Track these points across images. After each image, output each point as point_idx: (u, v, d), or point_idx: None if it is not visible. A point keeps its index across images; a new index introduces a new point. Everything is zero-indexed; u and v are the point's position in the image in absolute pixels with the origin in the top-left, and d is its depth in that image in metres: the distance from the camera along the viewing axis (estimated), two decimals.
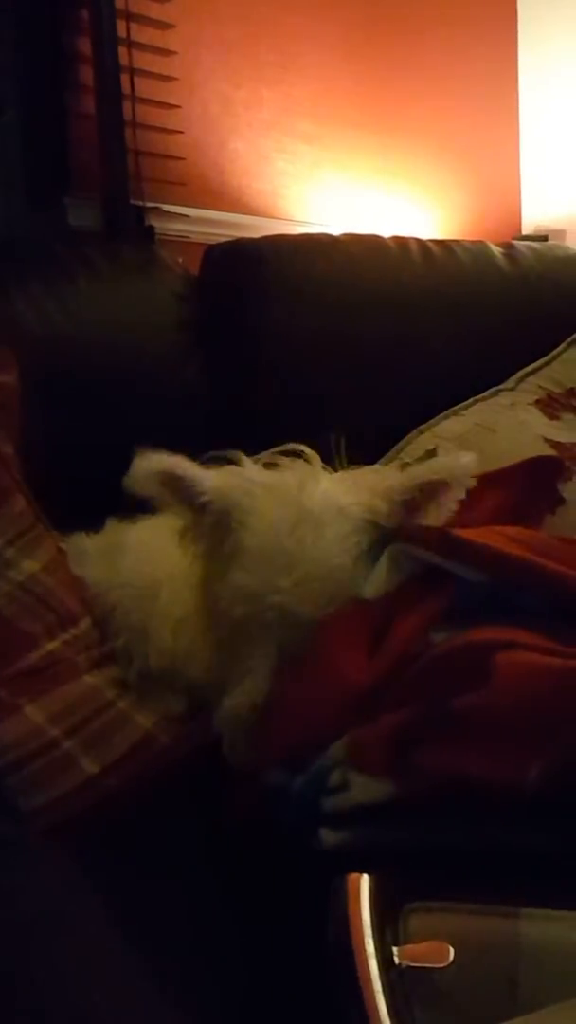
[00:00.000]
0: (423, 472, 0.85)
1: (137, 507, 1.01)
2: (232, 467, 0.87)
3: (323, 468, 0.89)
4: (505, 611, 0.77)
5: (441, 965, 0.49)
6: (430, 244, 1.46)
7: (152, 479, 0.83)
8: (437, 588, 0.79)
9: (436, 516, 0.84)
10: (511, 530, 0.83)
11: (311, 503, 0.81)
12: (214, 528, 0.83)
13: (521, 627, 0.74)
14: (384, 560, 0.80)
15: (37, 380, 1.07)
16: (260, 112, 1.72)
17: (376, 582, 0.80)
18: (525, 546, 0.79)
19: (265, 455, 0.91)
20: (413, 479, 0.84)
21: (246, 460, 0.88)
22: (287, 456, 0.90)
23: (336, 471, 0.89)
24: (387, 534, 0.82)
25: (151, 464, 0.83)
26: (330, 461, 0.90)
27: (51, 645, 0.85)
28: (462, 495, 0.85)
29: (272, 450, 0.91)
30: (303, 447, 0.90)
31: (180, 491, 0.84)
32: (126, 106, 1.52)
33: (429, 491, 0.84)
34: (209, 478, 0.84)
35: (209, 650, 0.86)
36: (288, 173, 1.76)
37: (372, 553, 0.82)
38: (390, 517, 0.83)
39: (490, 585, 0.79)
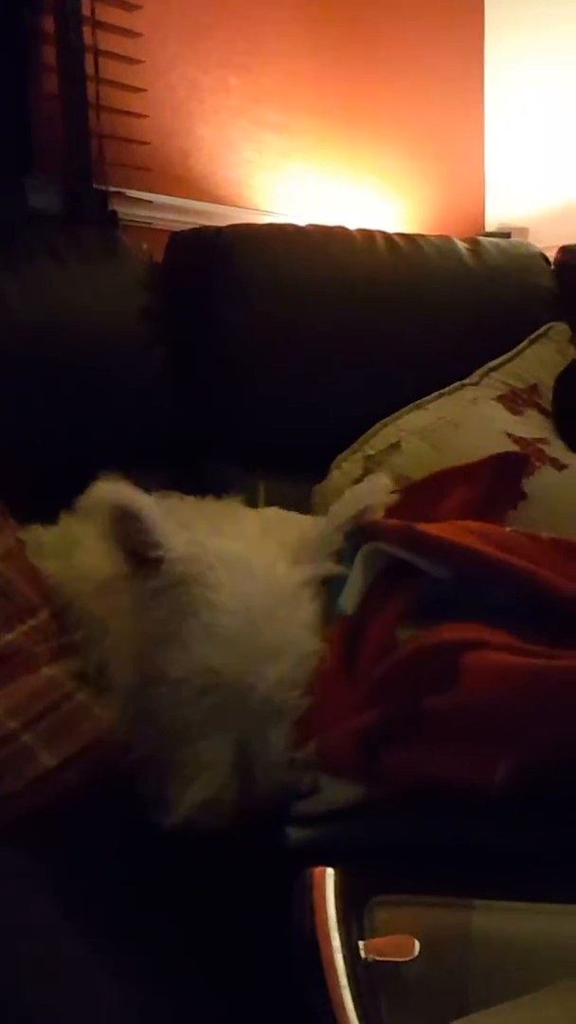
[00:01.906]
0: (343, 512, 0.85)
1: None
2: (182, 525, 0.81)
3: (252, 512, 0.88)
4: (471, 607, 0.77)
5: (407, 959, 0.49)
6: (396, 237, 1.46)
7: (107, 509, 0.78)
8: (404, 583, 0.79)
9: None
10: (477, 525, 0.84)
11: (280, 582, 0.77)
12: (166, 595, 0.77)
13: (487, 625, 0.74)
14: (357, 566, 0.80)
15: None
16: (227, 99, 1.71)
17: (353, 592, 0.80)
18: (491, 541, 0.79)
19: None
20: (337, 523, 0.84)
21: (188, 511, 0.86)
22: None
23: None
24: (355, 536, 0.82)
25: (113, 494, 0.77)
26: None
27: (9, 636, 0.84)
28: (382, 513, 0.85)
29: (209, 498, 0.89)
30: (237, 502, 0.89)
31: (131, 534, 0.77)
32: (90, 87, 1.49)
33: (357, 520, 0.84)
34: (174, 538, 0.78)
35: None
36: (254, 162, 1.74)
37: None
38: (334, 565, 0.82)
39: (455, 581, 0.79)
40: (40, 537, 1.00)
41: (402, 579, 0.80)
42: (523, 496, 1.07)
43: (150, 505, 0.77)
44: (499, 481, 1.04)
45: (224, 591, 0.75)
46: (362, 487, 0.89)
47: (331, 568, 0.82)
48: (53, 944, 0.56)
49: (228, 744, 0.73)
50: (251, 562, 0.78)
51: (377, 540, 0.81)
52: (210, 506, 0.97)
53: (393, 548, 0.80)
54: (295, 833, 0.69)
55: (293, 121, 1.79)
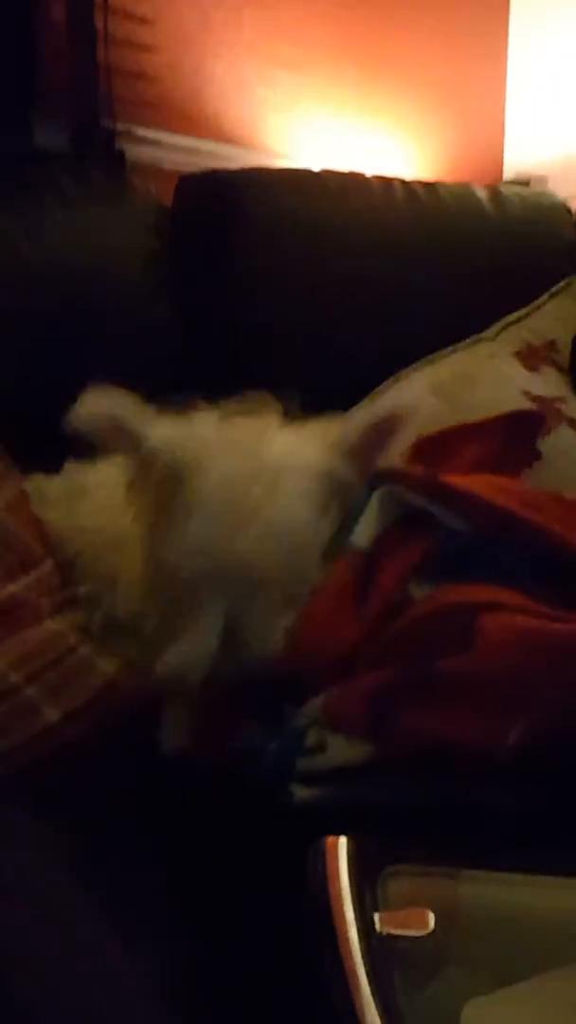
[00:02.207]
0: (368, 415, 0.82)
1: (97, 448, 0.97)
2: (184, 419, 0.82)
3: (281, 420, 0.84)
4: (486, 565, 0.75)
5: (422, 933, 0.47)
6: (414, 185, 1.41)
7: (96, 420, 0.79)
8: (421, 532, 0.77)
9: (389, 457, 0.81)
10: (502, 480, 0.82)
11: (269, 456, 0.77)
12: (161, 482, 0.79)
13: (503, 585, 0.72)
14: (372, 505, 0.78)
15: None
16: (241, 33, 1.64)
17: (366, 530, 0.77)
18: (513, 497, 0.77)
19: (224, 405, 0.87)
20: (360, 424, 0.81)
21: (201, 411, 0.84)
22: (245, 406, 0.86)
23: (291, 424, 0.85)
24: (373, 478, 0.79)
25: (98, 405, 0.79)
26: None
27: (13, 587, 0.82)
28: (414, 433, 0.82)
29: (230, 400, 0.87)
30: (263, 397, 0.86)
31: (124, 438, 0.80)
32: (97, 18, 1.43)
33: (382, 431, 0.81)
34: (156, 428, 0.80)
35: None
36: (268, 101, 1.68)
37: (334, 509, 0.79)
38: (347, 469, 0.80)
39: (472, 534, 0.77)
40: (43, 487, 0.97)
41: (418, 529, 0.78)
42: (538, 456, 1.04)
43: (131, 407, 0.80)
44: (513, 439, 1.01)
45: (209, 465, 0.77)
46: (396, 396, 0.88)
47: (339, 465, 0.79)
48: (53, 904, 0.55)
49: (217, 610, 0.74)
50: (243, 439, 0.79)
51: (397, 484, 0.79)
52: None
53: (412, 495, 0.78)
54: (299, 791, 0.68)
55: (308, 60, 1.73)
